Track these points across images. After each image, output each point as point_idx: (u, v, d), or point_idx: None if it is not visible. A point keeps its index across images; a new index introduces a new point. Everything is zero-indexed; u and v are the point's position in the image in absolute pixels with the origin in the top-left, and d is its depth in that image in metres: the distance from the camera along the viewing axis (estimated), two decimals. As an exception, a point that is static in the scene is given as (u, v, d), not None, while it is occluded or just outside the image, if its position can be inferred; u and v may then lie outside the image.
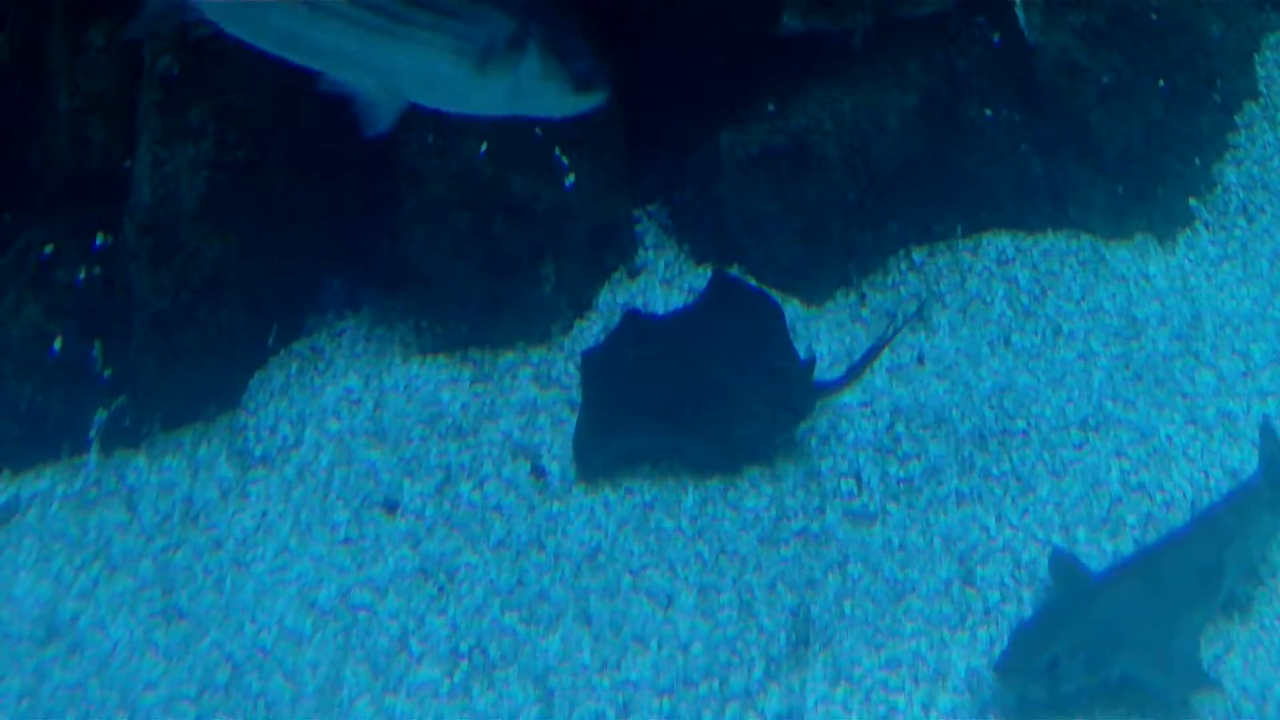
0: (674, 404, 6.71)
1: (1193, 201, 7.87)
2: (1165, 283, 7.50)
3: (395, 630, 6.17)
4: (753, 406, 6.70)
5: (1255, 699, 5.79)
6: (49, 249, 7.00)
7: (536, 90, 4.78)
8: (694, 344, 6.93)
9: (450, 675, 6.02)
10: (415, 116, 7.10)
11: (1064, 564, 6.11)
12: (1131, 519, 6.47)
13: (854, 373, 6.95)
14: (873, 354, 6.98)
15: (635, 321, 7.14)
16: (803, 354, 6.92)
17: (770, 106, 7.46)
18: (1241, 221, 7.85)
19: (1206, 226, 7.81)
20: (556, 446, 6.82)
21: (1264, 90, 8.44)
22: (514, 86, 4.74)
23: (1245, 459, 6.66)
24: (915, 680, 5.92)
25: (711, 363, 6.81)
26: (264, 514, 6.62)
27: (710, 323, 7.08)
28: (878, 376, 7.06)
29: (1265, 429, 6.36)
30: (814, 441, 6.81)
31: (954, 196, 7.68)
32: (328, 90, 4.78)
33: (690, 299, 7.37)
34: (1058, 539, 6.38)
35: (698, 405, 6.70)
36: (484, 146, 7.07)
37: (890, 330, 7.08)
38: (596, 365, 7.02)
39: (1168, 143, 7.79)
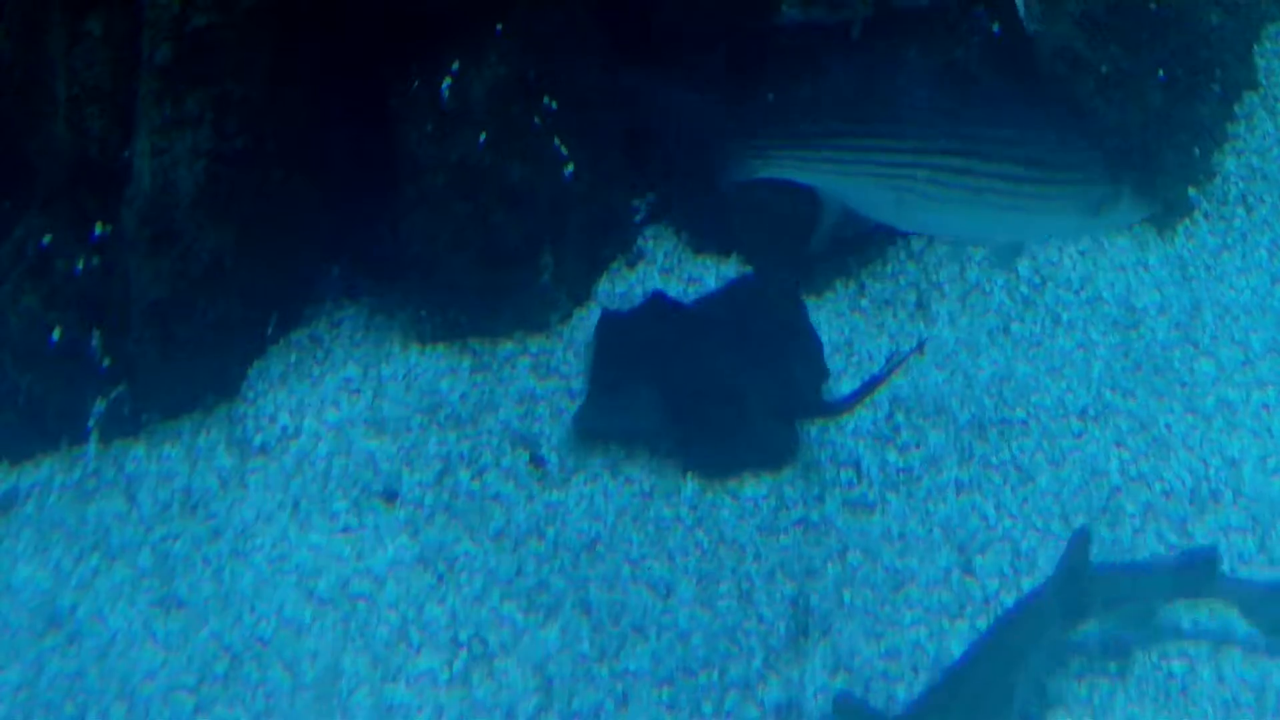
0: (677, 398, 6.72)
1: (1192, 191, 7.86)
2: (1164, 272, 7.50)
3: (394, 620, 6.17)
4: (755, 416, 6.71)
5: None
6: (47, 238, 6.99)
7: (1123, 218, 6.14)
8: (712, 340, 6.91)
9: (449, 665, 6.02)
10: (413, 106, 7.14)
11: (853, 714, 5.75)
12: (1131, 508, 6.47)
13: (855, 398, 6.88)
14: (875, 383, 6.88)
15: (660, 305, 7.13)
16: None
17: (770, 96, 7.46)
18: (1241, 211, 7.85)
19: (1206, 216, 7.80)
20: (555, 436, 6.82)
21: (1263, 80, 8.44)
22: (1109, 222, 6.08)
23: (1245, 448, 6.67)
24: (915, 669, 5.92)
25: (723, 364, 6.80)
26: (263, 503, 6.63)
27: (733, 322, 7.05)
28: (876, 365, 7.07)
29: (1078, 537, 5.79)
30: (813, 430, 6.81)
31: (954, 186, 7.68)
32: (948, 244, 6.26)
33: (693, 288, 7.38)
34: (1056, 528, 6.39)
35: (701, 405, 6.71)
36: (483, 136, 7.06)
37: (895, 361, 7.01)
38: (611, 339, 7.03)
39: (1167, 132, 7.78)
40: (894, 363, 6.93)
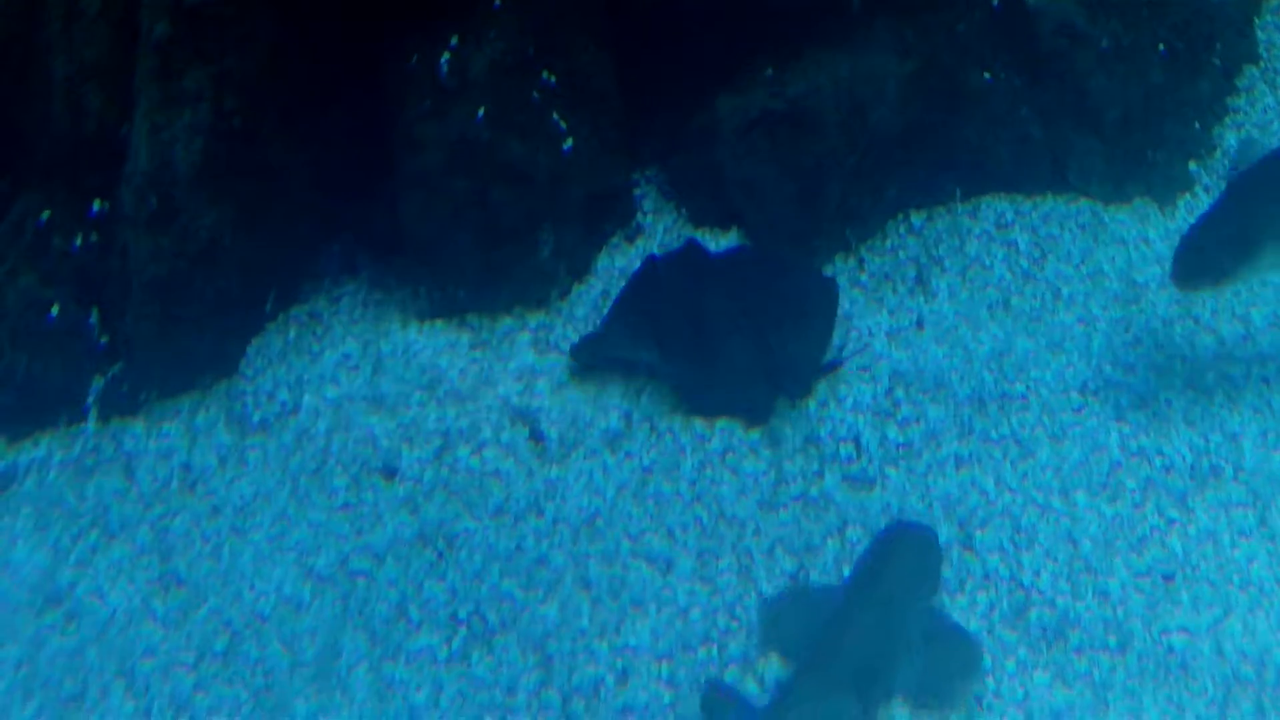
0: (672, 334, 6.81)
1: (1192, 165, 7.85)
2: (1165, 246, 7.45)
3: (394, 597, 6.17)
4: (735, 370, 6.75)
5: None
6: (45, 216, 7.00)
7: None
8: (722, 291, 6.93)
9: (449, 642, 6.02)
10: (411, 82, 7.12)
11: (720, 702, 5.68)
12: (1131, 483, 6.46)
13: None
14: (830, 367, 6.94)
15: (694, 253, 7.16)
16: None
17: (769, 71, 7.45)
18: (1241, 185, 7.83)
19: (1206, 190, 7.77)
20: (555, 411, 6.81)
21: (1264, 54, 8.41)
22: None
23: (1244, 423, 6.65)
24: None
25: (723, 313, 6.83)
26: (262, 480, 6.63)
27: (752, 280, 7.07)
28: (877, 340, 7.06)
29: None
30: (812, 405, 6.80)
31: (953, 161, 7.66)
32: None
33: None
34: (1056, 503, 6.38)
35: (691, 345, 6.77)
36: (481, 112, 7.05)
37: (846, 352, 7.03)
38: (637, 277, 7.08)
39: (1167, 107, 7.77)
40: (849, 353, 6.97)
